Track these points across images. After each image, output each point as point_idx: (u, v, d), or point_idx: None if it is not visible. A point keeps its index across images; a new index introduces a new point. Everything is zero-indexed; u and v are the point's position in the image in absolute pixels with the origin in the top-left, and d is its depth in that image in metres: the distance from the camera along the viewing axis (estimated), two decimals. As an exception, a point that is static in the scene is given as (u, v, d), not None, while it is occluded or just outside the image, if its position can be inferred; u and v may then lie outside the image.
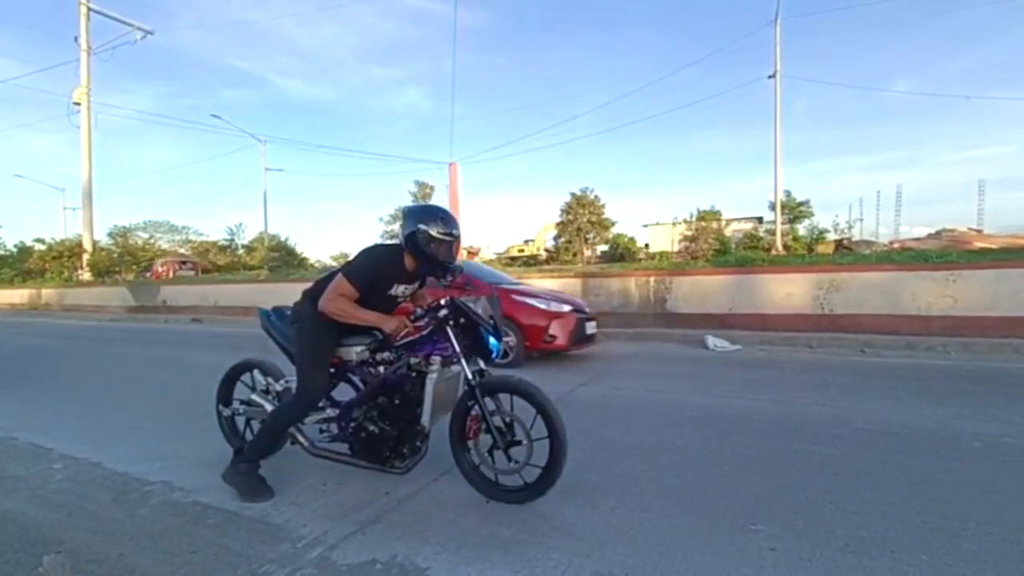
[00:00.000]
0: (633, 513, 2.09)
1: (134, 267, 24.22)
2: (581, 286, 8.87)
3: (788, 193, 28.79)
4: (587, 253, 39.75)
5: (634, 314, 8.40)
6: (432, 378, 2.18)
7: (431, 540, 1.91)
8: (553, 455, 2.05)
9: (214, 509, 2.20)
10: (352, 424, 2.35)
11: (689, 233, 24.97)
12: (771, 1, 20.74)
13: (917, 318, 6.60)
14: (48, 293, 19.41)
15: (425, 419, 2.18)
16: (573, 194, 40.48)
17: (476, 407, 2.20)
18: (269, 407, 2.51)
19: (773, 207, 22.91)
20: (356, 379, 2.44)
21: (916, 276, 6.74)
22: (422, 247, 2.21)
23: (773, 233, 22.93)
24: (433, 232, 2.19)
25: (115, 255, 24.17)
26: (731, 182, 76.59)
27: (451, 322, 2.18)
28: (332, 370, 2.36)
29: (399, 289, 2.37)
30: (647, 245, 36.73)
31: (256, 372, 2.71)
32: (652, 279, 8.42)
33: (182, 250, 34.75)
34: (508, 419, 2.19)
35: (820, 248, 25.67)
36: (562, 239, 41.14)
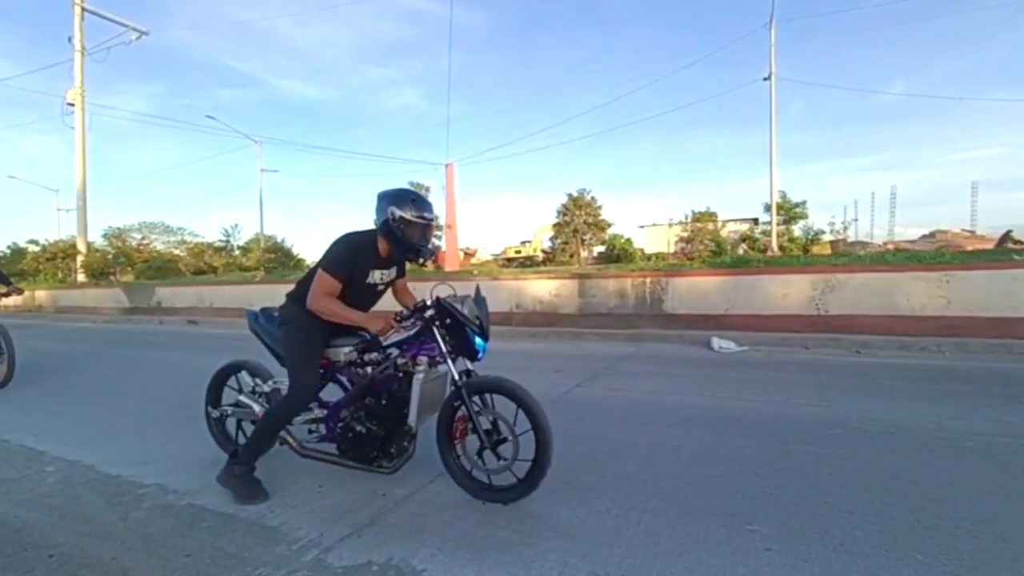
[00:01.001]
0: (629, 513, 2.09)
1: (129, 268, 24.08)
2: (577, 287, 8.88)
3: (784, 194, 28.79)
4: (584, 254, 39.73)
5: (630, 315, 8.40)
6: (419, 378, 2.19)
7: (427, 542, 1.90)
8: (540, 446, 2.06)
9: (209, 511, 2.19)
10: (340, 424, 2.36)
11: (685, 234, 25.09)
12: (767, 3, 20.84)
13: (911, 318, 6.62)
14: (42, 295, 19.26)
15: (412, 419, 2.18)
16: (570, 195, 40.43)
17: (463, 407, 2.20)
18: (257, 408, 2.51)
19: (769, 208, 23.03)
20: (344, 380, 2.45)
21: (910, 277, 6.77)
22: (396, 231, 2.21)
23: (769, 234, 23.03)
24: (407, 215, 2.19)
25: (110, 256, 24.03)
26: (727, 183, 77.13)
27: (437, 322, 2.18)
28: (320, 371, 2.36)
29: (376, 275, 2.35)
30: (642, 249, 36.76)
31: (244, 373, 2.70)
32: (648, 280, 8.42)
33: (177, 251, 34.45)
34: (492, 418, 2.20)
35: (816, 249, 25.74)
36: (559, 240, 41.17)
